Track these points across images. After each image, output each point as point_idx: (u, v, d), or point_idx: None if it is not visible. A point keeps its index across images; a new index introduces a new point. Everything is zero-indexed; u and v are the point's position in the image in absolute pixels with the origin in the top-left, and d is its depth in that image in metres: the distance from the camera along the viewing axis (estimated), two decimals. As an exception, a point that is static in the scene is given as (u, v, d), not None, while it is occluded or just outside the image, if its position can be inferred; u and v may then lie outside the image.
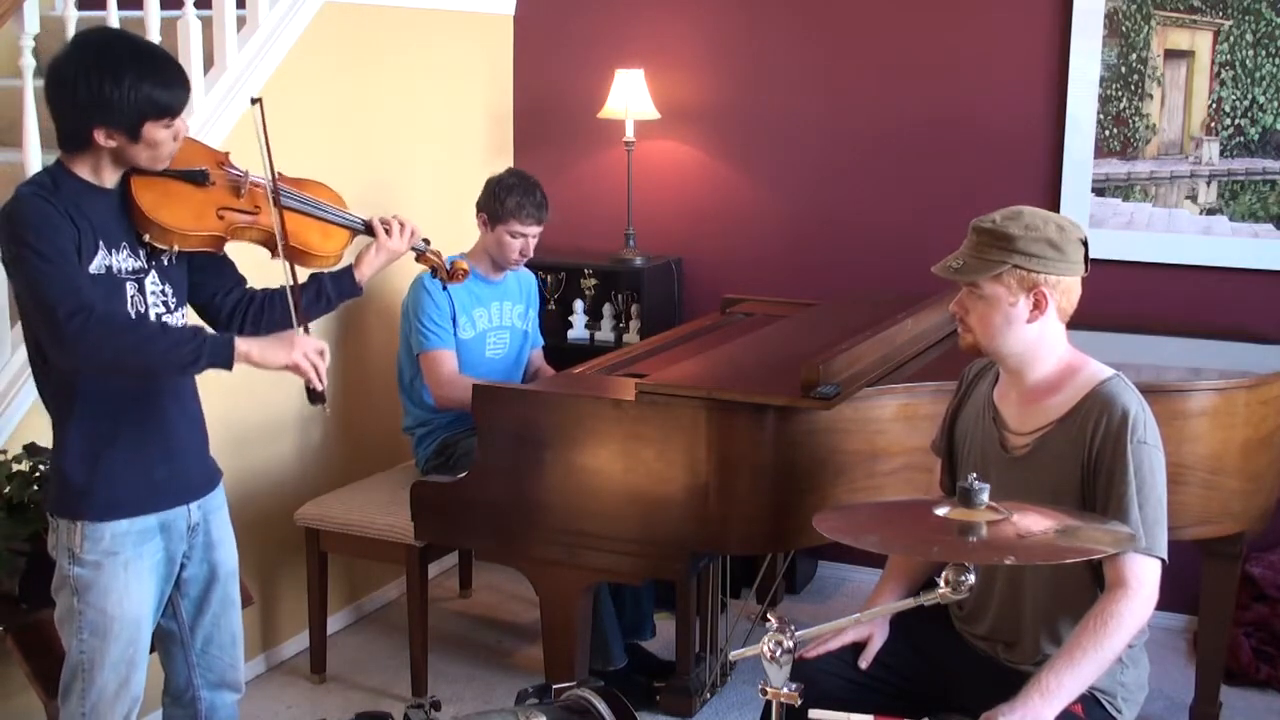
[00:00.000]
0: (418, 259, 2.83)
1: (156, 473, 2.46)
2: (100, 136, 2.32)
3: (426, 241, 2.81)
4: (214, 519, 2.62)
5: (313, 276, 2.65)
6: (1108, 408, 2.31)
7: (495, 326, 3.87)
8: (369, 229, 2.68)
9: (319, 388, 2.42)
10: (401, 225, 2.69)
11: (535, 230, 3.81)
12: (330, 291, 2.65)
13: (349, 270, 2.66)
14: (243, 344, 2.36)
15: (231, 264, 2.64)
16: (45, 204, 2.29)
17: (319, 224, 2.62)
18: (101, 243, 2.35)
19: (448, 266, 2.87)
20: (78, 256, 2.31)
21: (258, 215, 2.51)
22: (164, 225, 2.39)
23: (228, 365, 2.36)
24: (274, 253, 2.55)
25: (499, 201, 3.75)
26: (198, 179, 2.47)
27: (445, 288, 2.96)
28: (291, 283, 2.50)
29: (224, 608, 2.64)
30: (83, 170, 2.38)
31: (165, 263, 2.48)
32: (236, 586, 2.69)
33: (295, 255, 2.56)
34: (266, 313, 2.61)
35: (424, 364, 3.73)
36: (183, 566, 2.57)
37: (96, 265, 2.35)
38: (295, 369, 2.40)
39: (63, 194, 2.33)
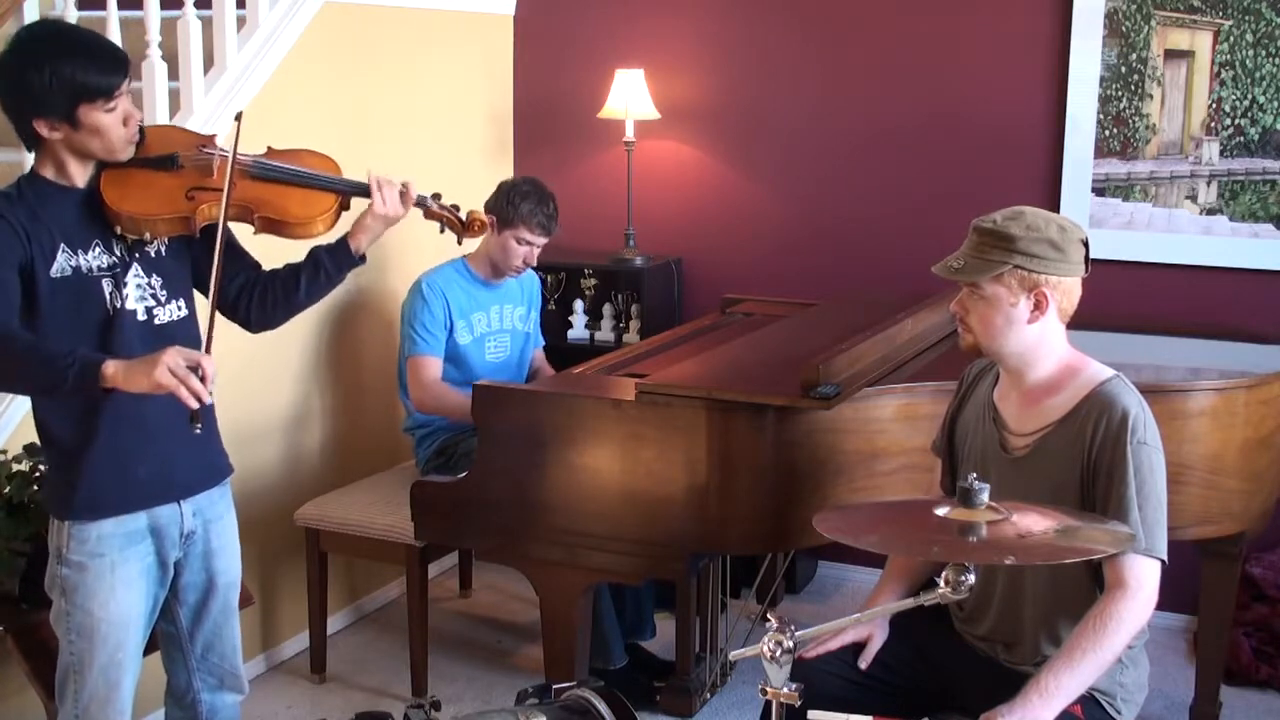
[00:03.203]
0: (426, 216, 2.70)
1: (139, 471, 2.42)
2: (43, 129, 2.29)
3: (437, 196, 2.69)
4: (214, 528, 2.59)
5: (310, 252, 2.59)
6: (1108, 409, 2.31)
7: (495, 330, 3.87)
8: (363, 191, 2.57)
9: (192, 405, 2.21)
10: (388, 185, 2.56)
11: (542, 241, 3.79)
12: (328, 265, 2.57)
13: (344, 241, 2.58)
14: (110, 367, 2.19)
15: (239, 249, 2.59)
16: None
17: (299, 191, 2.53)
18: (64, 245, 2.32)
19: (462, 219, 2.72)
20: (29, 269, 2.28)
21: (231, 188, 2.42)
22: (130, 214, 2.36)
23: (94, 390, 2.21)
24: (255, 226, 2.51)
25: (512, 206, 3.73)
26: (167, 164, 2.43)
27: (460, 242, 2.82)
28: (211, 297, 2.37)
29: (224, 616, 2.63)
30: (48, 171, 2.36)
31: (153, 254, 2.45)
32: (237, 596, 2.67)
33: (274, 226, 2.51)
34: (269, 295, 2.58)
35: (409, 367, 3.73)
36: (179, 573, 2.55)
37: (59, 268, 2.32)
38: (163, 390, 2.18)
39: (24, 202, 2.31)
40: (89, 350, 2.26)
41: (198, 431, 2.29)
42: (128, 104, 2.35)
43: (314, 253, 2.59)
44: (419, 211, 2.68)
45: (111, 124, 2.32)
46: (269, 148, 2.60)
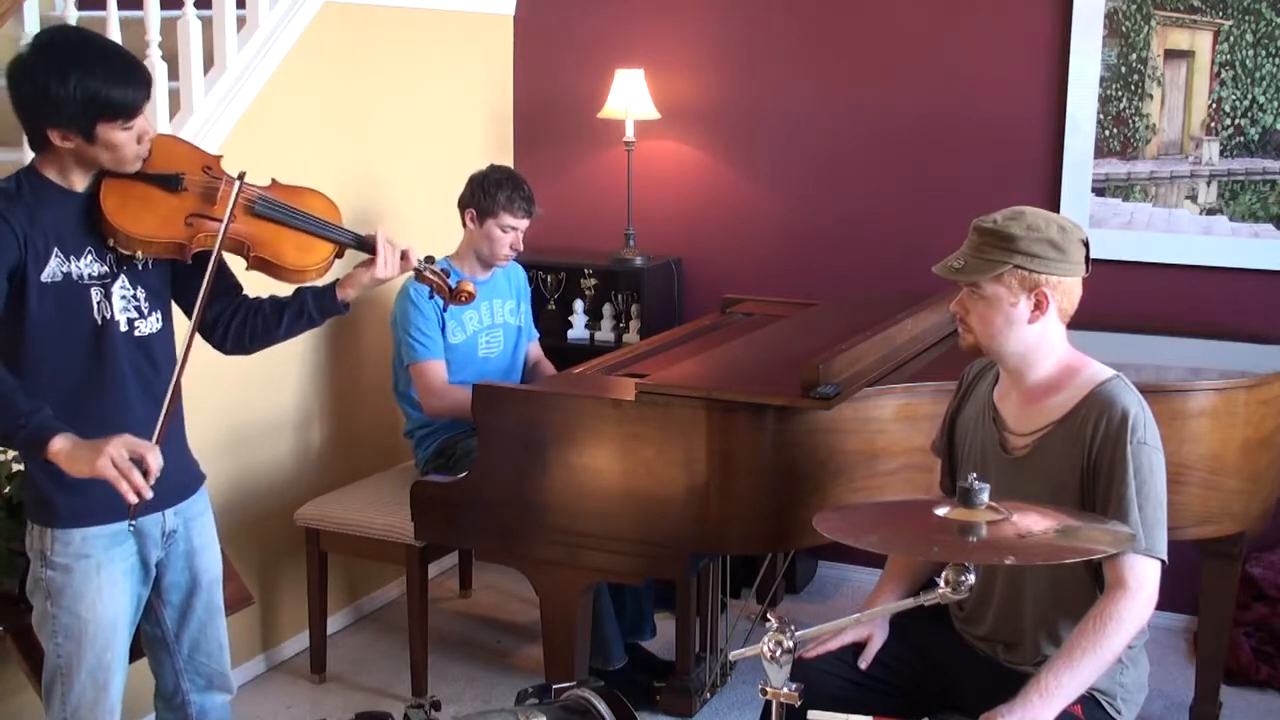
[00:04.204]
0: (417, 278, 2.70)
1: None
2: (55, 137, 2.27)
3: (430, 260, 2.69)
4: (194, 526, 2.58)
5: (296, 292, 2.58)
6: (1108, 408, 2.31)
7: (487, 326, 3.86)
8: (366, 246, 2.57)
9: (131, 500, 2.18)
10: (393, 249, 2.57)
11: (525, 224, 3.80)
12: (312, 309, 2.56)
13: (332, 288, 2.57)
14: (57, 443, 2.18)
15: (225, 271, 2.57)
16: None
17: (298, 236, 2.52)
18: (57, 249, 2.31)
19: (451, 286, 2.70)
20: (22, 271, 2.26)
21: (230, 224, 2.41)
22: (126, 232, 2.34)
23: (35, 456, 2.22)
24: (248, 263, 2.50)
25: (489, 195, 3.74)
26: (171, 184, 2.40)
27: (446, 308, 2.82)
28: (172, 384, 2.33)
29: (209, 615, 2.62)
30: (50, 172, 2.34)
31: (139, 266, 2.43)
32: (220, 593, 2.66)
33: (267, 267, 2.50)
34: (249, 325, 2.57)
35: (414, 375, 3.73)
36: (161, 574, 2.54)
37: (50, 273, 2.30)
38: (102, 478, 2.17)
39: (24, 199, 2.30)
40: (49, 415, 2.22)
41: (130, 529, 2.28)
42: (145, 122, 2.34)
43: (300, 294, 2.58)
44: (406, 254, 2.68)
45: (126, 141, 2.31)
46: (274, 180, 2.58)
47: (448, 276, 2.72)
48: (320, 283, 2.60)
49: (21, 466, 2.84)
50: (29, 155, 3.12)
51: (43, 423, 2.21)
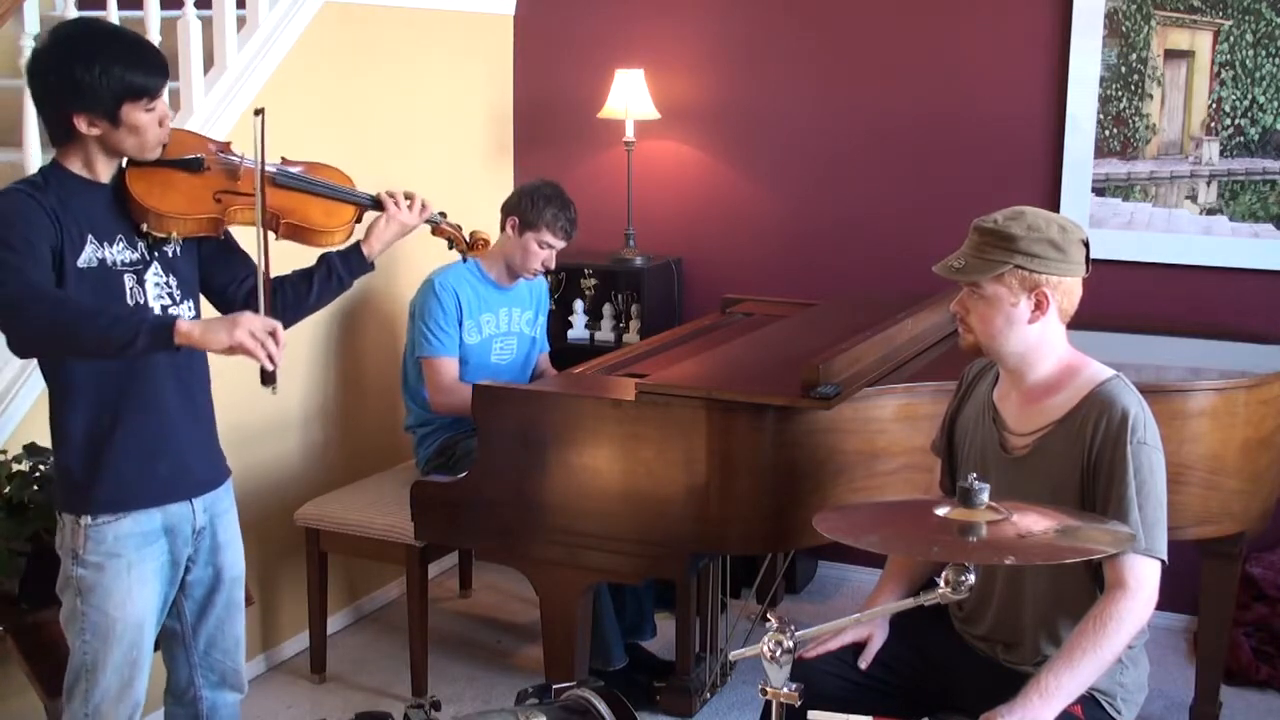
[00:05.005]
0: (434, 232, 2.77)
1: (158, 466, 2.44)
2: (81, 124, 2.31)
3: (443, 215, 2.77)
4: (220, 522, 2.60)
5: (321, 257, 2.63)
6: (1108, 408, 2.31)
7: (502, 332, 3.87)
8: (378, 204, 2.65)
9: (269, 368, 2.31)
10: (411, 199, 2.66)
11: (562, 245, 3.81)
12: (340, 269, 2.62)
13: (357, 246, 2.63)
14: (185, 325, 2.25)
15: (244, 254, 2.62)
16: (28, 200, 2.29)
17: (321, 201, 2.60)
18: (91, 236, 2.34)
19: (467, 238, 2.79)
20: (59, 254, 2.29)
21: (254, 196, 2.47)
22: (158, 211, 2.39)
23: (168, 346, 2.24)
24: (277, 233, 2.54)
25: (536, 209, 3.73)
26: (193, 166, 2.47)
27: (465, 259, 2.91)
28: (262, 267, 2.42)
29: (228, 611, 2.63)
30: (75, 165, 2.37)
31: (170, 254, 2.47)
32: (241, 590, 2.67)
33: (297, 233, 2.56)
34: (280, 297, 2.59)
35: (425, 368, 3.73)
36: (187, 569, 2.56)
37: (86, 259, 2.33)
38: (241, 349, 2.25)
39: (51, 191, 2.33)
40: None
41: (273, 393, 2.35)
42: (164, 106, 2.39)
43: (326, 258, 2.63)
44: (426, 226, 2.76)
45: (150, 124, 2.35)
46: (283, 158, 2.63)
47: (462, 230, 2.78)
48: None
49: (22, 466, 2.85)
50: (29, 155, 3.16)
51: (157, 315, 2.29)
